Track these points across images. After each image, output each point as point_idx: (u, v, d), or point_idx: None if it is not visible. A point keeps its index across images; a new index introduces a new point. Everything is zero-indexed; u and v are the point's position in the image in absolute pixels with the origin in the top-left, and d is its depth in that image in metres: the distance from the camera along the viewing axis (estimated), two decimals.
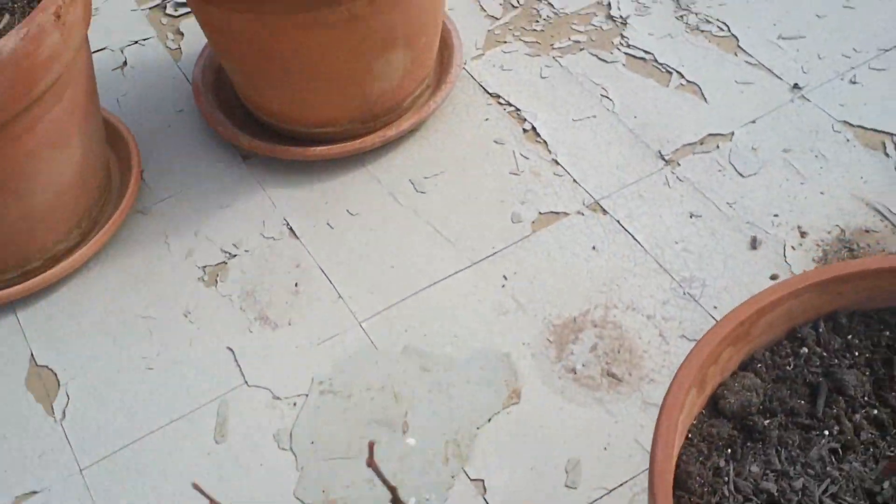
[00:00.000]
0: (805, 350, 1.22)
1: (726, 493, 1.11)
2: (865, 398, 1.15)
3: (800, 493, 1.08)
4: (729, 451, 1.15)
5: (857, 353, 1.21)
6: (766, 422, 1.16)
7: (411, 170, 1.85)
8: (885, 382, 1.18)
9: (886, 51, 2.16)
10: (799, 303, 1.21)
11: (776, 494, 1.08)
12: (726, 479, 1.12)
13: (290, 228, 1.75)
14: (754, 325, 1.18)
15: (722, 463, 1.14)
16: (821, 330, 1.24)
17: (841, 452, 1.12)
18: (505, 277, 1.79)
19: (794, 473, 1.11)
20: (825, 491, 1.09)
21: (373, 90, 1.74)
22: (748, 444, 1.14)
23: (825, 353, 1.22)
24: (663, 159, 1.95)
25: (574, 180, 1.93)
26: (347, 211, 1.78)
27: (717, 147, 1.97)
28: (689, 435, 1.15)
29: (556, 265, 1.79)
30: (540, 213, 1.88)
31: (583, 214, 1.87)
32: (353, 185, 1.82)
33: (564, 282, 1.76)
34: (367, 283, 1.66)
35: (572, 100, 2.07)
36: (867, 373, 1.20)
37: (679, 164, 1.94)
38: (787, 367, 1.21)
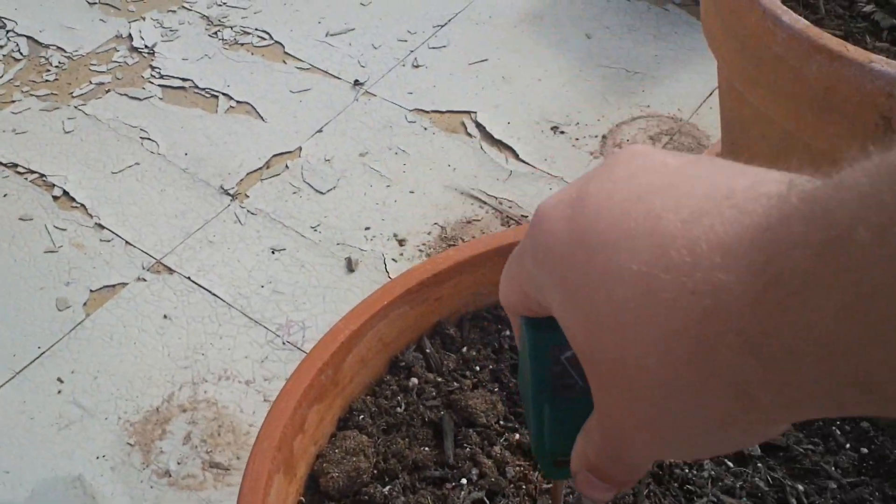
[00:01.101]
0: (414, 381, 0.95)
1: None
2: (500, 422, 0.89)
3: None
4: None
5: (478, 368, 0.95)
6: (387, 490, 0.87)
7: None
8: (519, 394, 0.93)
9: (442, 26, 1.98)
10: (390, 323, 0.93)
11: None
12: None
13: None
14: (339, 367, 0.89)
15: None
16: (428, 350, 0.96)
17: (488, 501, 0.86)
18: (60, 380, 1.40)
19: None
20: None
21: None
22: None
23: (440, 379, 0.95)
24: (228, 194, 1.64)
25: (127, 243, 1.57)
26: None
27: (287, 167, 1.68)
28: None
29: (122, 349, 1.42)
30: (91, 290, 1.51)
31: (145, 280, 1.51)
32: None
33: (137, 366, 1.40)
34: None
35: (107, 150, 1.71)
36: (496, 389, 0.94)
37: (248, 196, 1.64)
38: (398, 410, 0.93)
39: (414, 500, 0.88)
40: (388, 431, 0.93)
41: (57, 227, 1.65)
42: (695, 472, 0.90)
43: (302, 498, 0.89)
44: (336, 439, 0.92)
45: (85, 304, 1.55)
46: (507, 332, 1.00)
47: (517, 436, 0.92)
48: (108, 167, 1.73)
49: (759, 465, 0.90)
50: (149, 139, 1.77)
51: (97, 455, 1.37)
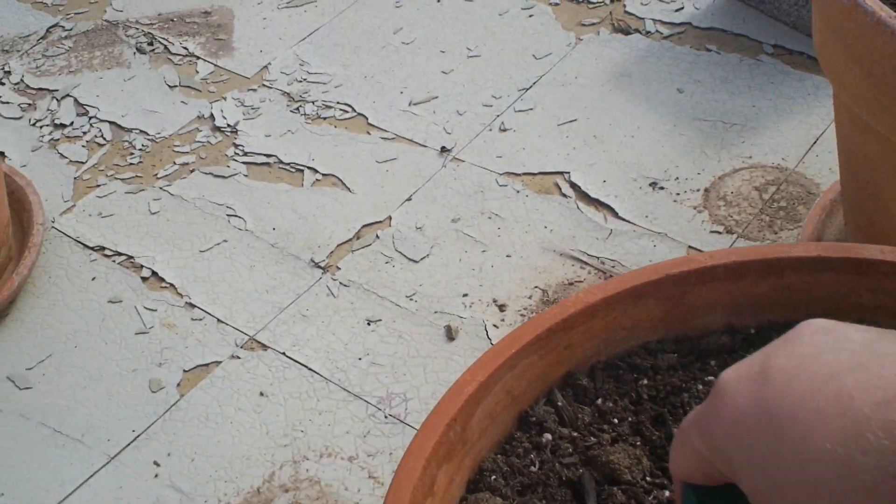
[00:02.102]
0: (548, 437, 0.86)
1: None
2: (647, 478, 0.80)
3: None
4: None
5: (616, 421, 0.87)
6: None
7: (8, 364, 1.38)
8: (665, 448, 0.84)
9: (527, 89, 1.93)
10: (518, 374, 0.85)
11: None
12: None
13: None
14: (467, 424, 0.81)
15: None
16: (560, 403, 0.88)
17: None
18: (157, 464, 1.34)
19: None
20: None
21: None
22: None
23: (576, 433, 0.87)
24: (319, 267, 1.58)
25: (218, 320, 1.52)
26: None
27: (377, 237, 1.63)
28: None
29: (219, 429, 1.36)
30: (185, 370, 1.45)
31: (239, 358, 1.45)
32: None
33: (235, 447, 1.34)
34: None
35: (194, 229, 1.67)
36: (638, 442, 0.85)
37: (339, 268, 1.58)
38: (532, 469, 0.85)
39: None
40: (524, 493, 0.85)
41: (147, 308, 1.60)
42: None
43: None
44: (467, 502, 0.83)
45: (178, 384, 1.49)
46: (645, 382, 0.91)
47: (666, 493, 0.83)
48: (195, 246, 1.69)
49: None
50: (235, 216, 1.73)
51: None
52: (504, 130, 1.84)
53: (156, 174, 1.84)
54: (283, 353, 1.49)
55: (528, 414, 0.89)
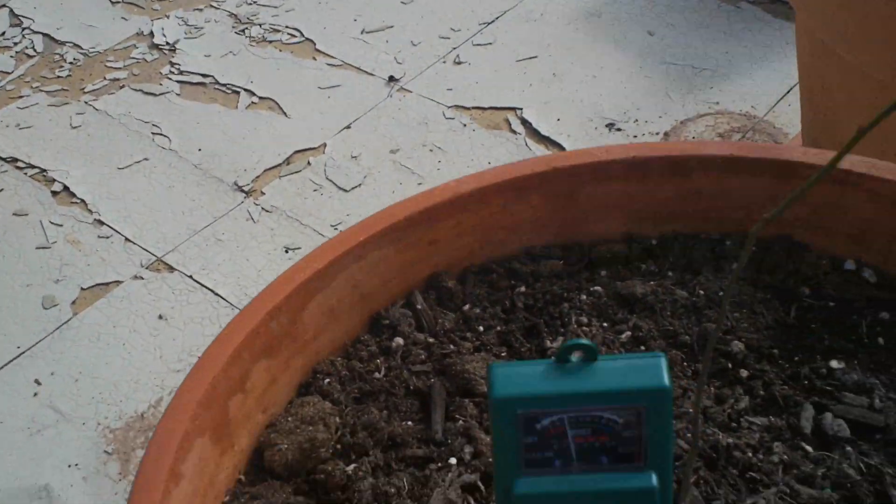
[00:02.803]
0: (399, 342, 0.74)
1: None
2: None
3: None
4: None
5: (482, 329, 0.75)
6: (351, 469, 0.67)
7: None
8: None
9: (489, 23, 1.80)
10: (368, 268, 0.73)
11: None
12: None
13: None
14: (298, 317, 0.69)
15: None
16: (419, 307, 0.76)
17: (483, 486, 0.65)
18: (38, 382, 1.22)
19: None
20: None
21: None
22: None
23: (433, 340, 0.75)
24: (242, 191, 1.46)
25: (127, 239, 1.40)
26: None
27: (309, 164, 1.51)
28: None
29: (109, 350, 1.24)
30: (83, 288, 1.33)
31: (142, 279, 1.34)
32: None
33: (124, 369, 1.22)
34: None
35: (115, 146, 1.55)
36: (504, 354, 0.73)
37: (263, 193, 1.46)
38: (376, 375, 0.73)
39: (386, 483, 0.66)
40: (361, 400, 0.73)
41: (53, 223, 1.49)
42: (760, 455, 0.68)
43: (242, 476, 0.68)
44: (292, 406, 0.71)
45: (74, 302, 1.38)
46: (523, 289, 0.79)
47: None
48: (114, 162, 1.57)
49: (849, 448, 0.68)
50: (161, 135, 1.61)
51: (69, 463, 1.19)
52: (458, 63, 1.72)
53: (83, 88, 1.73)
54: (191, 277, 1.37)
55: (381, 316, 0.77)
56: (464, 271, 0.79)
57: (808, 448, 0.68)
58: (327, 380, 0.73)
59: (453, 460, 0.69)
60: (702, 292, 0.76)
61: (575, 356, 0.49)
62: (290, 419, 0.69)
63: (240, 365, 0.66)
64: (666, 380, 0.48)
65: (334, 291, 0.71)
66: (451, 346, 0.75)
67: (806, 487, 0.66)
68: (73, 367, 1.29)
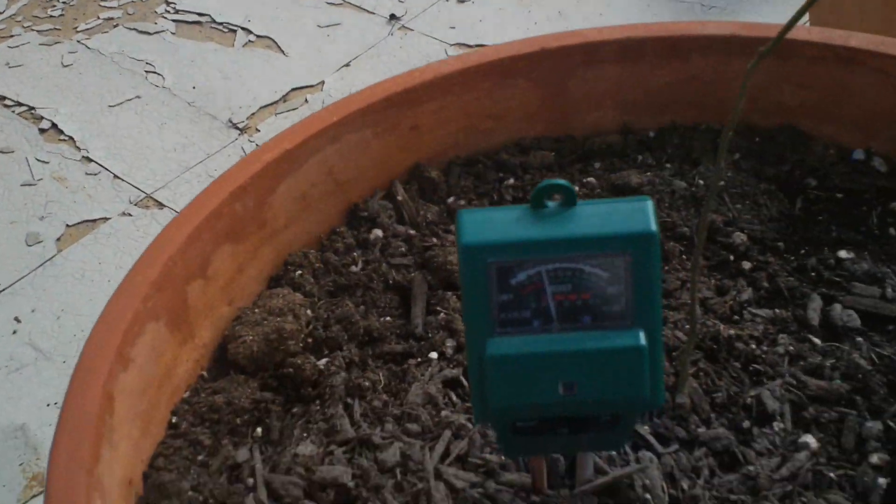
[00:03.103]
0: (378, 234, 0.69)
1: None
2: None
3: (400, 471, 0.55)
4: (258, 430, 0.59)
5: None
6: (323, 363, 0.62)
7: None
8: None
9: None
10: (344, 152, 0.68)
11: (352, 487, 0.54)
12: (250, 482, 0.57)
13: None
14: (266, 200, 0.64)
15: (243, 455, 0.58)
16: (399, 197, 0.71)
17: (465, 380, 0.60)
18: (17, 320, 1.18)
19: (380, 439, 0.58)
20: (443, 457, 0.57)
21: None
22: (294, 409, 0.60)
23: (413, 232, 0.69)
24: (237, 128, 1.41)
25: (115, 176, 1.36)
26: None
27: (306, 101, 1.46)
28: (174, 419, 0.59)
29: (94, 287, 1.20)
30: (68, 225, 1.29)
31: (130, 215, 1.29)
32: None
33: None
34: None
35: (107, 84, 1.50)
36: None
37: (258, 131, 1.42)
38: (353, 269, 0.68)
39: (362, 378, 0.61)
40: (336, 294, 0.68)
41: (39, 160, 1.44)
42: (765, 347, 0.62)
43: (204, 373, 0.64)
44: (260, 298, 0.66)
45: (58, 239, 1.33)
46: (511, 181, 0.74)
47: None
48: (105, 100, 1.52)
49: (859, 339, 0.62)
50: (154, 72, 1.57)
51: (48, 402, 1.14)
52: (462, 2, 1.67)
53: (76, 27, 1.68)
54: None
55: (359, 208, 0.71)
56: (448, 163, 0.74)
57: (816, 340, 0.63)
58: (299, 272, 0.68)
59: (434, 355, 0.64)
60: (701, 182, 0.71)
61: (552, 202, 0.44)
62: (256, 311, 0.65)
63: (199, 247, 0.61)
64: (653, 224, 0.43)
65: (306, 175, 0.66)
66: (434, 240, 0.70)
67: (814, 379, 0.60)
68: (55, 305, 1.24)
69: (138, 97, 1.54)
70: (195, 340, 0.62)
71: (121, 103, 1.53)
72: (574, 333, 0.45)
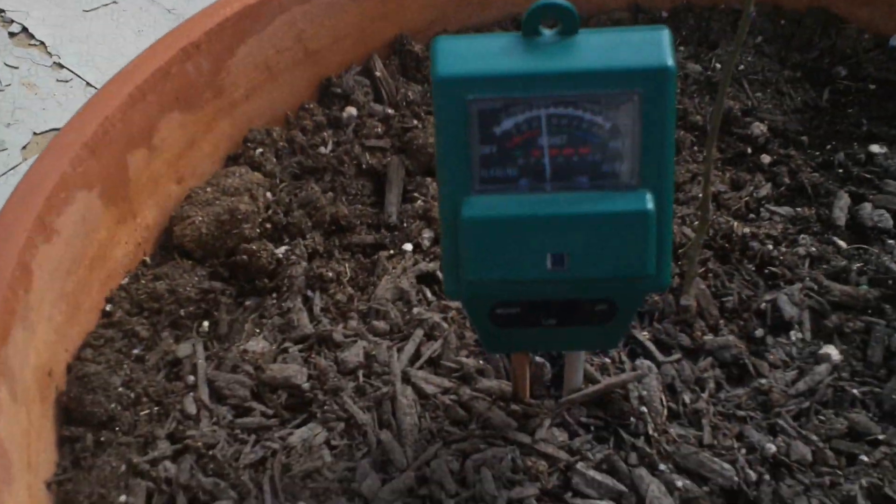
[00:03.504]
0: (352, 112, 0.61)
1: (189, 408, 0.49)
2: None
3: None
4: (205, 324, 0.52)
5: None
6: (282, 251, 0.54)
7: None
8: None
9: None
10: (314, 15, 0.60)
11: (307, 389, 0.47)
12: (191, 379, 0.49)
13: None
14: (223, 64, 0.56)
15: (185, 350, 0.50)
16: (378, 74, 0.63)
17: (442, 275, 0.52)
18: None
19: (342, 337, 0.50)
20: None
21: None
22: (247, 302, 0.53)
23: (391, 111, 0.61)
24: None
25: (87, 84, 1.26)
26: None
27: None
28: (108, 307, 0.51)
29: None
30: (35, 133, 1.19)
31: None
32: None
33: None
34: None
35: None
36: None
37: None
38: (322, 150, 0.60)
39: (325, 268, 0.54)
40: (301, 177, 0.60)
41: (7, 65, 1.35)
42: (783, 248, 0.55)
43: (147, 257, 0.56)
44: (214, 177, 0.58)
45: (24, 147, 1.24)
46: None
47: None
48: (80, 4, 1.43)
49: (891, 241, 0.55)
50: None
51: None
52: None
53: None
54: None
55: (332, 83, 0.63)
56: (435, 37, 0.66)
57: (841, 242, 0.55)
58: (260, 150, 0.60)
59: (408, 246, 0.57)
60: (718, 66, 0.63)
61: (548, 30, 0.36)
62: (209, 189, 0.57)
63: (143, 110, 0.53)
64: (669, 58, 0.35)
65: (272, 39, 0.58)
66: (415, 121, 0.62)
67: (838, 284, 0.53)
68: None
69: (115, 2, 1.45)
70: (136, 220, 0.54)
71: (96, 8, 1.44)
72: (567, 194, 0.37)
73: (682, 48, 0.65)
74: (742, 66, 0.61)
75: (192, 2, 1.36)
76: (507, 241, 0.36)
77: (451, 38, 0.36)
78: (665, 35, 0.35)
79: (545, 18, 0.36)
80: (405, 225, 0.57)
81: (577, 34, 0.36)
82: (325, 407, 0.49)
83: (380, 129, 0.61)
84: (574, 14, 0.35)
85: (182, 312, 0.53)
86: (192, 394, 0.51)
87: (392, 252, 0.56)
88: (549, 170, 0.36)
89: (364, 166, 0.60)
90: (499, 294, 0.38)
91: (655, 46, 0.35)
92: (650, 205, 0.36)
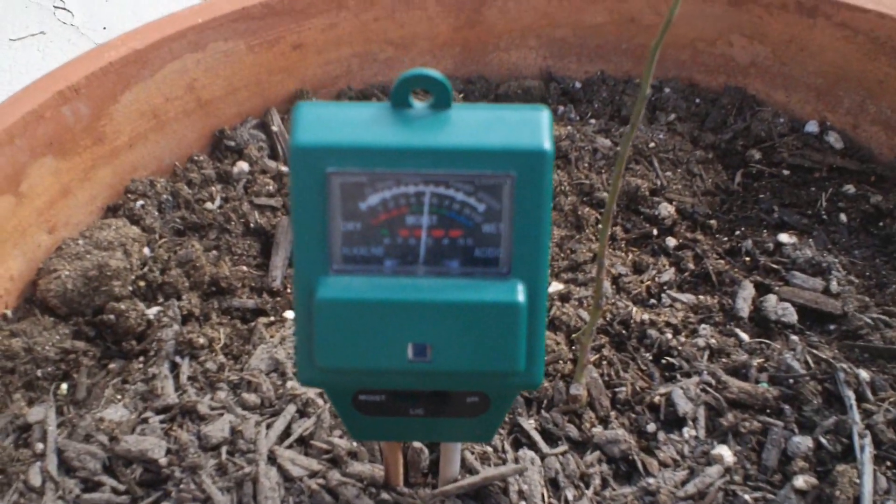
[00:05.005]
0: (243, 168, 0.58)
1: None
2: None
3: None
4: (63, 386, 0.48)
5: None
6: (154, 312, 0.51)
7: None
8: None
9: None
10: (208, 64, 0.57)
11: (164, 465, 0.43)
12: (40, 447, 0.45)
13: None
14: (105, 109, 0.53)
15: (37, 414, 0.46)
16: (275, 129, 0.60)
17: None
18: None
19: (208, 409, 0.46)
20: None
21: None
22: (111, 365, 0.49)
23: (285, 170, 0.58)
24: None
25: None
26: None
27: None
28: None
29: None
30: None
31: None
32: None
33: None
34: None
35: (10, 17, 1.36)
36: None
37: None
38: (208, 206, 0.57)
39: (197, 333, 0.50)
40: (184, 233, 0.56)
41: None
42: (682, 338, 0.52)
43: (8, 311, 0.52)
44: (89, 229, 0.54)
45: None
46: None
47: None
48: (6, 33, 1.39)
49: (794, 338, 0.52)
50: (63, 9, 1.43)
51: None
52: None
53: None
54: None
55: (226, 135, 0.60)
56: (338, 93, 0.63)
57: (743, 335, 0.53)
58: (141, 202, 0.56)
59: (290, 314, 0.53)
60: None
61: (419, 103, 0.33)
62: (80, 242, 0.53)
63: (10, 154, 0.49)
64: (546, 140, 0.32)
65: (160, 86, 0.55)
66: None
67: (737, 380, 0.50)
68: None
69: (43, 33, 1.41)
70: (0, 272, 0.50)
71: (23, 38, 1.40)
72: (434, 280, 0.34)
73: (592, 121, 0.63)
74: (653, 144, 0.59)
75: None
76: (364, 326, 0.33)
77: (316, 104, 0.33)
78: (544, 116, 0.33)
79: (416, 89, 0.33)
80: (289, 291, 0.54)
81: (451, 108, 0.33)
82: (182, 486, 0.45)
83: (271, 187, 0.58)
84: (447, 87, 0.32)
85: (39, 373, 0.49)
86: (38, 463, 0.47)
87: (273, 319, 0.53)
88: (420, 252, 0.33)
89: (252, 225, 0.57)
90: (357, 383, 0.35)
91: (533, 127, 0.33)
92: (521, 296, 0.33)
